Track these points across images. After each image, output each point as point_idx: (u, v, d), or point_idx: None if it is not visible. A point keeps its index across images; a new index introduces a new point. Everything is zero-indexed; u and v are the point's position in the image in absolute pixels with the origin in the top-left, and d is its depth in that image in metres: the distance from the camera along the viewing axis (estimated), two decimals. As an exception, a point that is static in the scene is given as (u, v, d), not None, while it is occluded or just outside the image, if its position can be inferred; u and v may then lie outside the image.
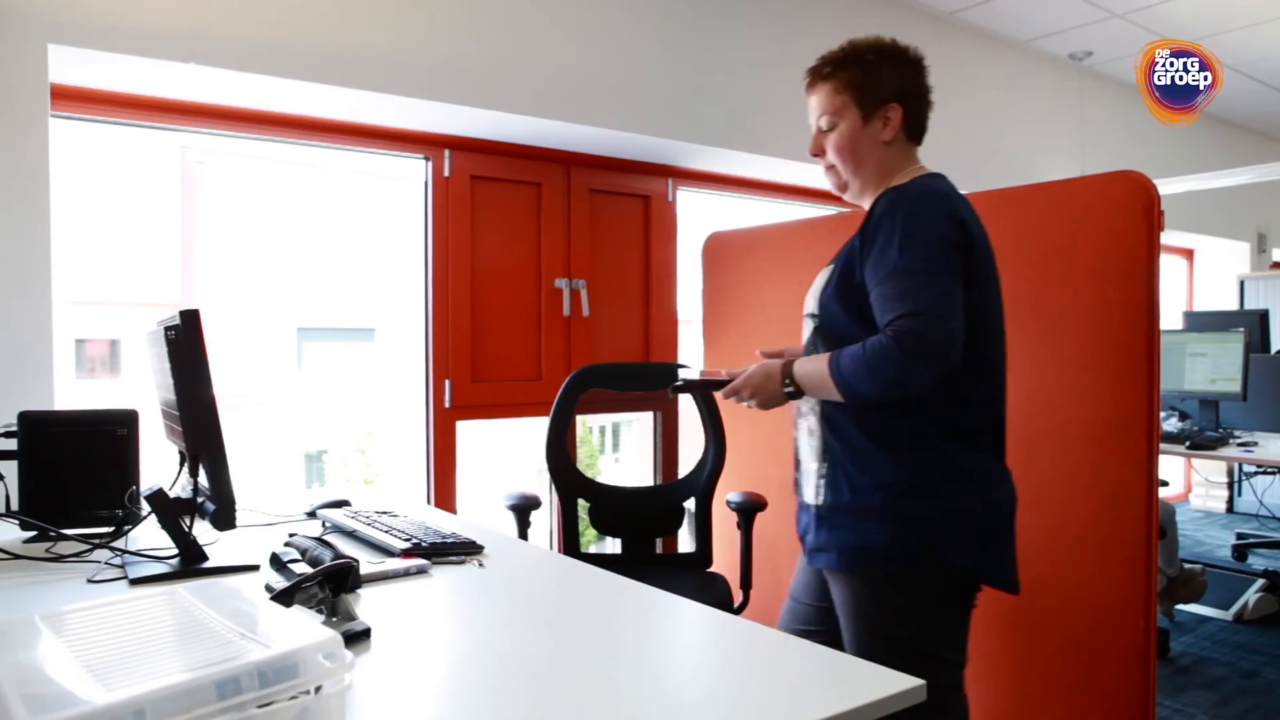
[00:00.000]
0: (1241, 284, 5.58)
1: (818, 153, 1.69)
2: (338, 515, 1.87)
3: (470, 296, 3.07)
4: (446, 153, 3.04)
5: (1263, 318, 4.12)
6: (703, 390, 1.48)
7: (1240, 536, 4.69)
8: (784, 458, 1.83)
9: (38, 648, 0.82)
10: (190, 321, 1.38)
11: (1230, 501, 5.66)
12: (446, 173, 3.04)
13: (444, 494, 3.02)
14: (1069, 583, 2.18)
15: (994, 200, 2.39)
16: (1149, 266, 2.05)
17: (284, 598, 1.11)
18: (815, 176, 3.82)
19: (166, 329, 1.38)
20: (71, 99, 2.35)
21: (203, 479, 1.49)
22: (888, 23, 3.82)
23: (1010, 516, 1.62)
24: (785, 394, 1.57)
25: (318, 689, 0.79)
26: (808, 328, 1.68)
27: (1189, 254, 6.29)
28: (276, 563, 1.38)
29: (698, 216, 3.72)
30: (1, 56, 2.04)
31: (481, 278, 3.10)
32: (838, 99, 1.62)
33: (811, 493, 1.61)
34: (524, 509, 2.38)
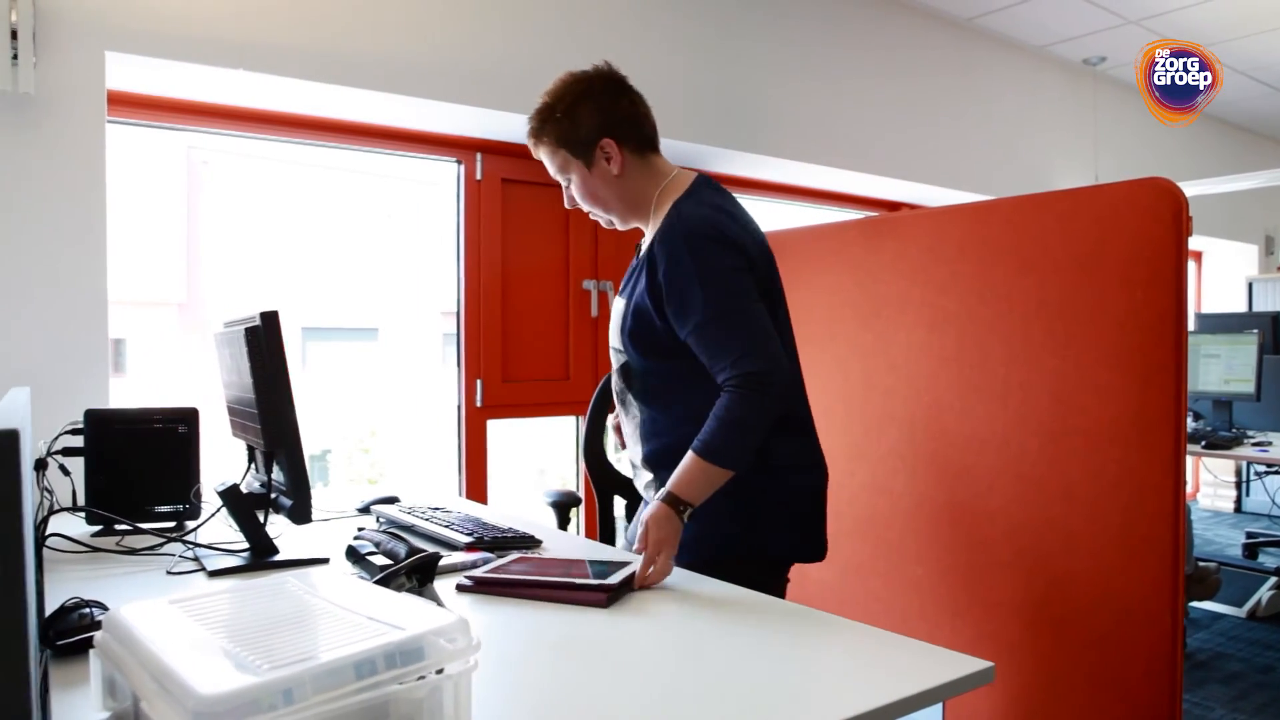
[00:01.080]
0: (1250, 286, 5.64)
1: (572, 204, 1.75)
2: (393, 511, 1.93)
3: (501, 297, 3.13)
4: (479, 156, 3.09)
5: (1275, 320, 4.18)
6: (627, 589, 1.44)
7: (1250, 535, 4.75)
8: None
9: (178, 629, 0.88)
10: (270, 323, 1.44)
11: (1239, 501, 5.72)
12: (478, 176, 3.09)
13: (476, 492, 3.08)
14: (1096, 579, 2.24)
15: (1023, 206, 2.45)
16: (1177, 271, 2.11)
17: (381, 586, 1.16)
18: (834, 180, 3.89)
19: (247, 330, 1.44)
20: (123, 104, 2.40)
21: (277, 474, 1.55)
22: (907, 30, 3.88)
23: (820, 495, 1.70)
24: (686, 516, 1.47)
25: (439, 671, 0.85)
26: (616, 361, 1.73)
27: (1198, 256, 6.36)
28: (353, 555, 1.43)
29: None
30: (62, 64, 2.10)
31: (512, 279, 3.16)
32: (557, 156, 1.66)
33: (648, 495, 1.71)
34: (564, 506, 2.44)
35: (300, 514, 1.46)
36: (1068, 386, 2.29)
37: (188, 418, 1.87)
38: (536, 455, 4.99)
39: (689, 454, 1.47)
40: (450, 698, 0.85)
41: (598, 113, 1.62)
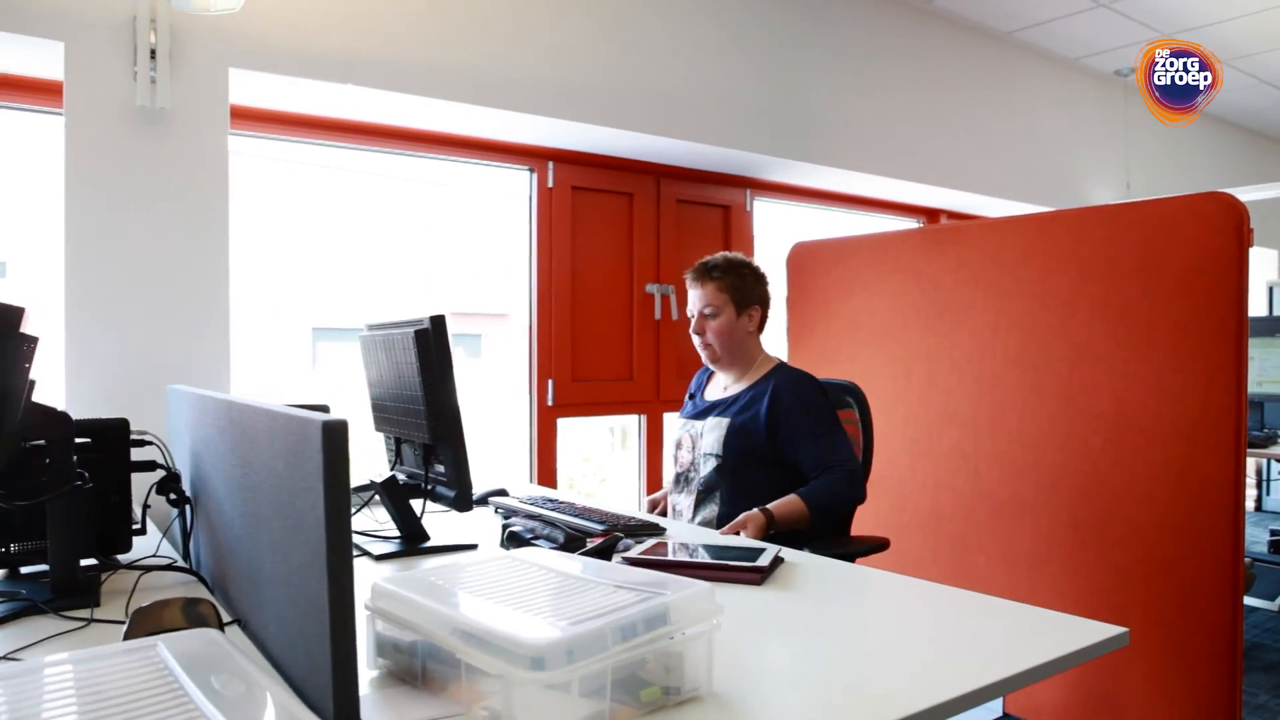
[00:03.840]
0: (1270, 290, 5.80)
1: (699, 330, 2.24)
2: (512, 501, 2.06)
3: (571, 300, 3.26)
4: (550, 165, 3.22)
5: (1303, 323, 4.33)
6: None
7: (1274, 533, 4.90)
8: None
9: (459, 597, 1.01)
10: (439, 326, 1.57)
11: (1259, 500, 5.88)
12: (550, 183, 3.22)
13: (547, 486, 3.20)
14: (1158, 568, 2.38)
15: (1085, 217, 2.59)
16: (1238, 279, 2.24)
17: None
18: (876, 187, 4.03)
19: (416, 332, 1.56)
20: (240, 117, 2.53)
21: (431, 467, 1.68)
22: (950, 43, 4.02)
23: None
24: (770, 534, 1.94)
25: (687, 632, 0.98)
26: (707, 465, 2.15)
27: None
28: (515, 540, 1.56)
29: (768, 225, 3.92)
30: (189, 79, 2.23)
31: (580, 283, 3.29)
32: (720, 296, 2.21)
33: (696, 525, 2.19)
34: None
35: (463, 502, 1.59)
36: (1131, 387, 2.42)
37: (328, 413, 2.00)
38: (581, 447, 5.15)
39: (795, 496, 1.99)
40: (700, 654, 0.98)
41: (764, 287, 2.28)
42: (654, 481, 3.49)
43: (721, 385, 2.30)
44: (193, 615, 1.01)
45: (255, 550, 1.17)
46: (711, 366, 2.30)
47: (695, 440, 2.20)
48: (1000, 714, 2.79)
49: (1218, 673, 2.28)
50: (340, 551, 0.90)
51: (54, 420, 1.36)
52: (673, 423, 2.62)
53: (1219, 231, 2.27)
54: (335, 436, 0.90)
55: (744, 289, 2.22)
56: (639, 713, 0.93)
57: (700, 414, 2.25)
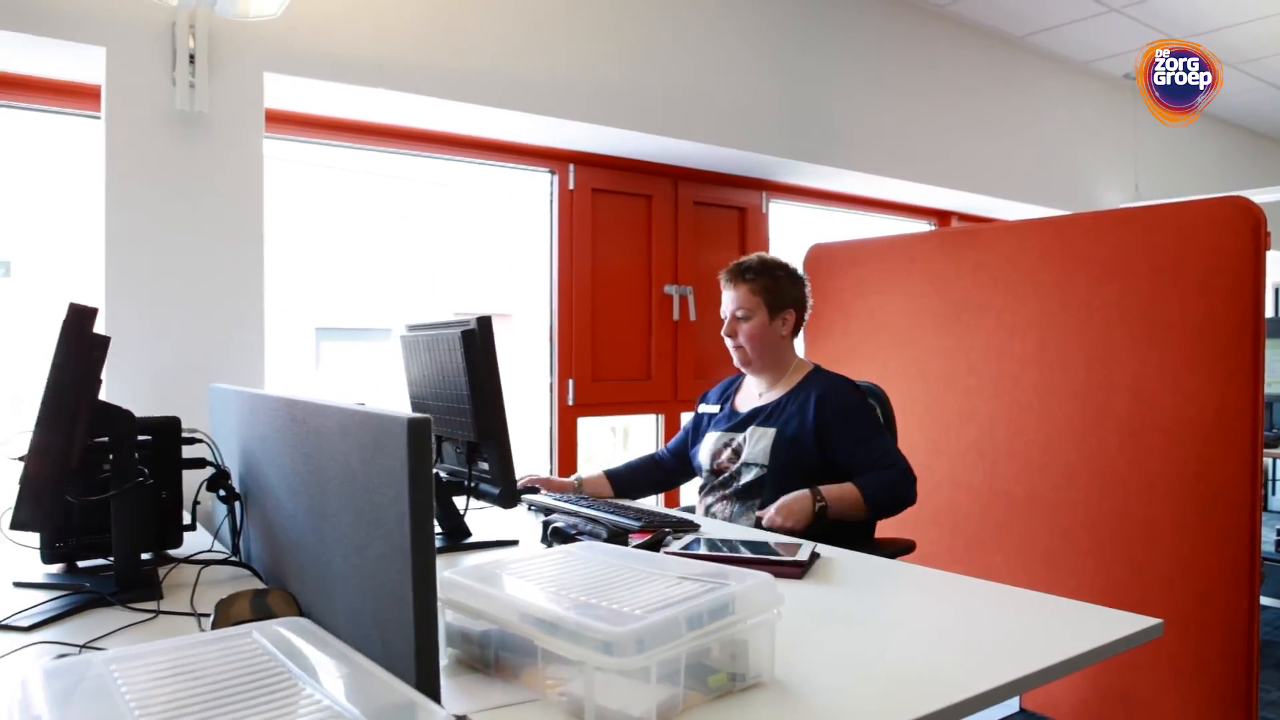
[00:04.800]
0: (1276, 292, 5.85)
1: (731, 332, 2.21)
2: (545, 499, 2.10)
3: (591, 301, 3.30)
4: (571, 167, 3.26)
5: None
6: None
7: (1279, 532, 4.95)
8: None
9: (531, 590, 1.05)
10: (485, 327, 1.61)
11: (1265, 499, 5.93)
12: (571, 186, 3.27)
13: (568, 484, 3.24)
14: (1175, 565, 2.42)
15: (1103, 220, 2.64)
16: (1255, 282, 2.29)
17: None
18: (887, 189, 4.07)
19: (463, 333, 1.61)
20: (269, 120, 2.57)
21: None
22: (963, 47, 4.06)
23: None
24: (818, 509, 1.95)
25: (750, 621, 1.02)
26: (749, 474, 2.12)
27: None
28: (559, 535, 1.60)
29: (782, 227, 3.96)
30: (225, 84, 2.27)
31: (600, 284, 3.33)
32: (752, 299, 2.18)
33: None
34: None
35: (508, 499, 1.63)
36: (1148, 387, 2.47)
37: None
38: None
39: (850, 485, 2.00)
40: (763, 642, 1.02)
41: (799, 290, 2.24)
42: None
43: (755, 392, 2.27)
44: (274, 606, 1.05)
45: (323, 544, 1.21)
46: (743, 369, 2.28)
47: (738, 450, 2.16)
48: (1017, 709, 2.84)
49: (1234, 670, 2.32)
50: (424, 545, 0.94)
51: (118, 418, 1.40)
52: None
53: (1237, 235, 2.31)
54: (419, 433, 0.94)
55: (778, 291, 2.20)
56: (707, 698, 0.97)
57: (740, 424, 2.20)
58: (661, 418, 3.53)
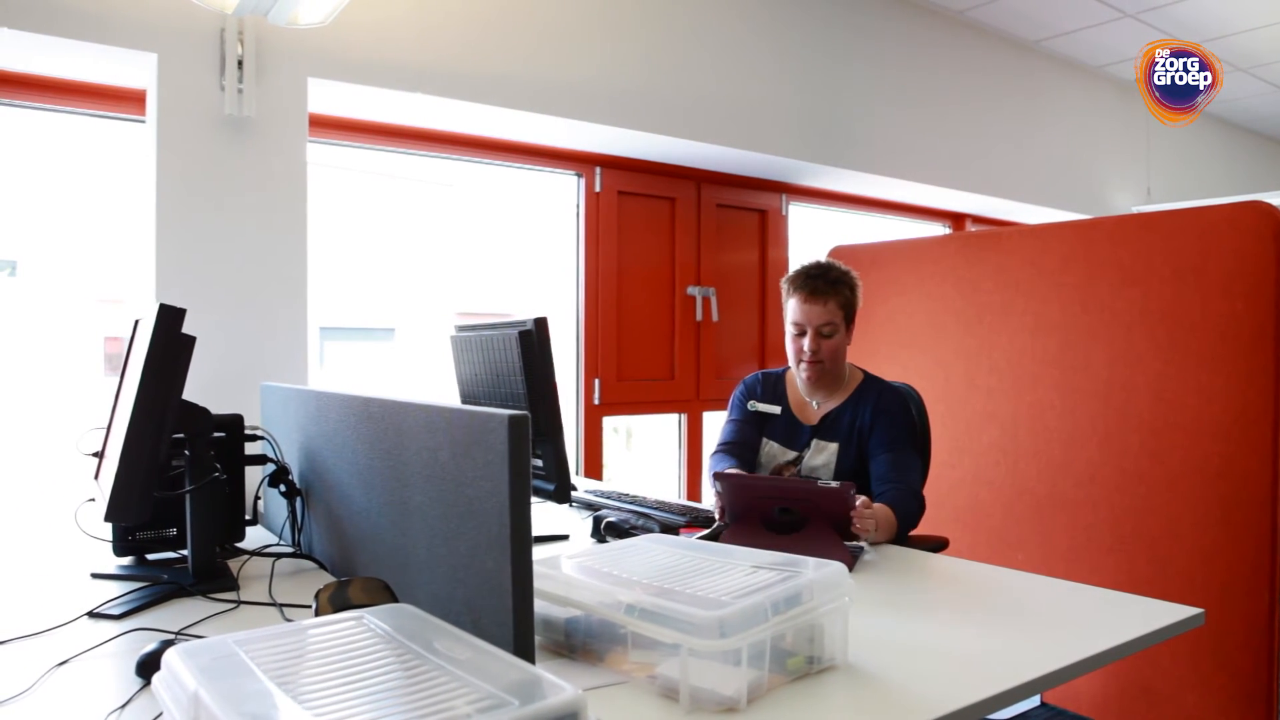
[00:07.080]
0: (1282, 293, 5.90)
1: (815, 346, 2.04)
2: (586, 495, 2.15)
3: (617, 302, 3.35)
4: (598, 170, 3.32)
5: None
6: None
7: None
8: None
9: (618, 578, 1.10)
10: (541, 327, 1.66)
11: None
12: (598, 188, 3.32)
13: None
14: (1197, 559, 2.47)
15: (1125, 224, 2.69)
16: (1276, 284, 2.34)
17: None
18: (904, 192, 4.12)
19: (520, 332, 1.66)
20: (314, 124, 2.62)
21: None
22: (980, 51, 4.12)
23: None
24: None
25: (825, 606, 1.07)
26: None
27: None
28: (614, 530, 1.66)
29: (801, 229, 4.01)
30: (271, 89, 2.32)
31: (625, 285, 3.39)
32: (839, 314, 2.05)
33: None
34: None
35: (563, 494, 1.69)
36: (1170, 387, 2.52)
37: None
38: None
39: (885, 508, 1.86)
40: (837, 627, 1.07)
41: (858, 297, 2.13)
42: (694, 479, 3.59)
43: (812, 402, 2.13)
44: (374, 594, 1.10)
45: (404, 536, 1.26)
46: (810, 383, 2.10)
47: (798, 466, 2.09)
48: (1038, 703, 2.89)
49: (1255, 663, 2.38)
50: (522, 536, 1.00)
51: (194, 415, 1.45)
52: (715, 423, 2.58)
53: (1258, 239, 2.37)
54: (519, 429, 0.99)
55: (853, 305, 2.10)
56: (786, 680, 1.02)
57: (805, 441, 2.10)
58: (684, 417, 3.58)
